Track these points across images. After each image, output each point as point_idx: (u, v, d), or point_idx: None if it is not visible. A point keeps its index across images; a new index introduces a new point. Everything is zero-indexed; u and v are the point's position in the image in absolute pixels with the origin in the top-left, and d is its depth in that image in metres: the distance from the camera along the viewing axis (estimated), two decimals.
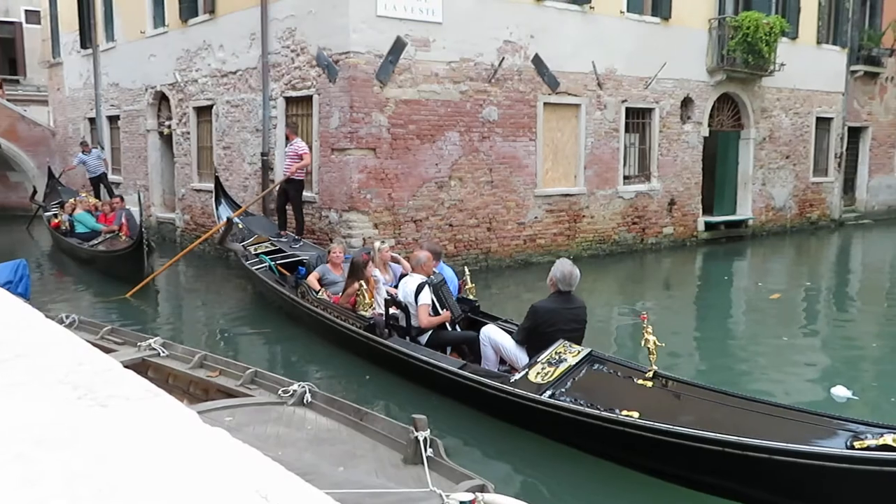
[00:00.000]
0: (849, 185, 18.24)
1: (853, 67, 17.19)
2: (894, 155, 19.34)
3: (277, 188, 10.12)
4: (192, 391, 4.38)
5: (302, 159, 9.60)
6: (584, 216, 12.43)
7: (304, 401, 3.75)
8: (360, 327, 6.14)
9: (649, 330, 4.51)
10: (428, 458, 2.95)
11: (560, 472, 4.40)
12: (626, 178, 13.06)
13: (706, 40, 13.81)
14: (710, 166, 14.54)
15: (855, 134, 17.99)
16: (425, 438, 2.99)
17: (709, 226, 14.57)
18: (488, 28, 10.80)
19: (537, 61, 11.39)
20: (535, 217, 11.78)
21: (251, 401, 3.85)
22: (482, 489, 2.72)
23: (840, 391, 5.87)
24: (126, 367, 2.09)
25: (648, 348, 4.45)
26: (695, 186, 14.15)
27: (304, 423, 3.58)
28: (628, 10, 12.58)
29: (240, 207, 10.61)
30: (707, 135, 14.19)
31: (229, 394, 4.07)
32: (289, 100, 10.94)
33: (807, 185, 16.64)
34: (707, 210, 14.65)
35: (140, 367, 4.35)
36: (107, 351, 4.32)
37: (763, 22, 13.69)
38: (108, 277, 10.20)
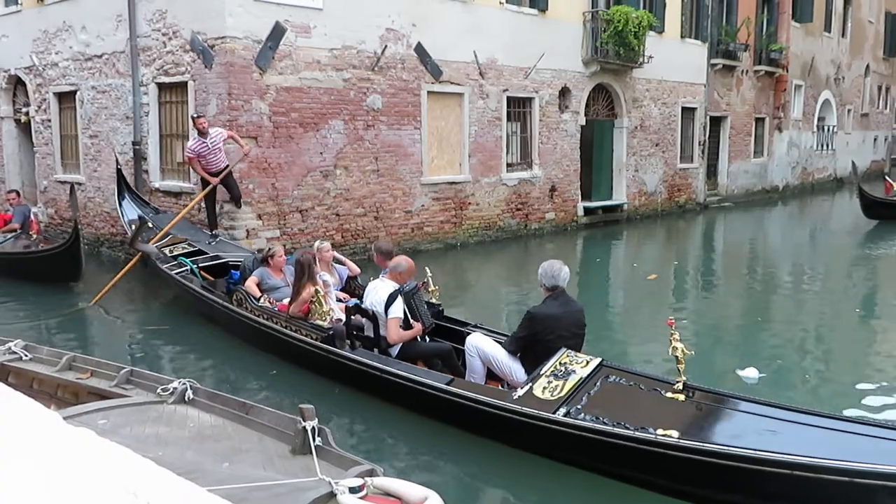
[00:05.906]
0: (711, 171, 19.61)
1: (713, 61, 18.46)
2: (750, 142, 21.02)
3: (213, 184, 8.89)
4: (60, 396, 4.09)
5: (234, 141, 8.82)
6: (469, 203, 12.64)
7: (186, 398, 3.59)
8: (316, 338, 5.44)
9: (676, 337, 3.95)
10: (316, 447, 2.92)
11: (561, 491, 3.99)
12: (509, 165, 13.40)
13: (581, 33, 14.37)
14: (588, 154, 15.19)
15: (716, 123, 19.35)
16: (313, 428, 2.95)
17: (587, 211, 15.24)
18: (370, 15, 10.71)
19: (420, 50, 11.43)
20: (422, 205, 11.86)
21: (127, 401, 3.64)
22: (371, 473, 2.71)
23: (749, 373, 5.68)
24: None
25: (676, 356, 3.93)
26: (574, 173, 14.74)
27: (186, 420, 3.43)
28: (507, 2, 12.87)
29: (143, 200, 9.80)
30: (584, 123, 14.81)
31: (103, 396, 3.83)
32: (161, 86, 10.39)
33: (675, 171, 17.76)
34: (585, 196, 15.31)
35: None
36: None
37: (632, 16, 14.43)
38: (27, 283, 8.95)
